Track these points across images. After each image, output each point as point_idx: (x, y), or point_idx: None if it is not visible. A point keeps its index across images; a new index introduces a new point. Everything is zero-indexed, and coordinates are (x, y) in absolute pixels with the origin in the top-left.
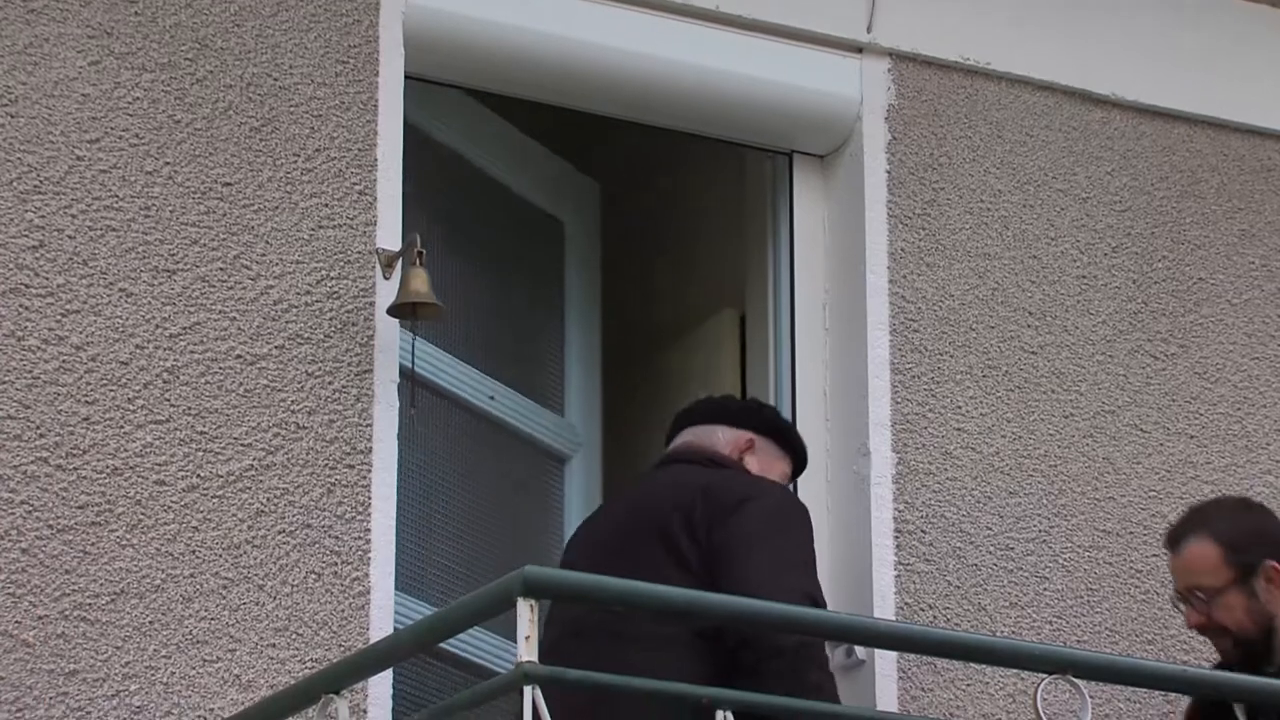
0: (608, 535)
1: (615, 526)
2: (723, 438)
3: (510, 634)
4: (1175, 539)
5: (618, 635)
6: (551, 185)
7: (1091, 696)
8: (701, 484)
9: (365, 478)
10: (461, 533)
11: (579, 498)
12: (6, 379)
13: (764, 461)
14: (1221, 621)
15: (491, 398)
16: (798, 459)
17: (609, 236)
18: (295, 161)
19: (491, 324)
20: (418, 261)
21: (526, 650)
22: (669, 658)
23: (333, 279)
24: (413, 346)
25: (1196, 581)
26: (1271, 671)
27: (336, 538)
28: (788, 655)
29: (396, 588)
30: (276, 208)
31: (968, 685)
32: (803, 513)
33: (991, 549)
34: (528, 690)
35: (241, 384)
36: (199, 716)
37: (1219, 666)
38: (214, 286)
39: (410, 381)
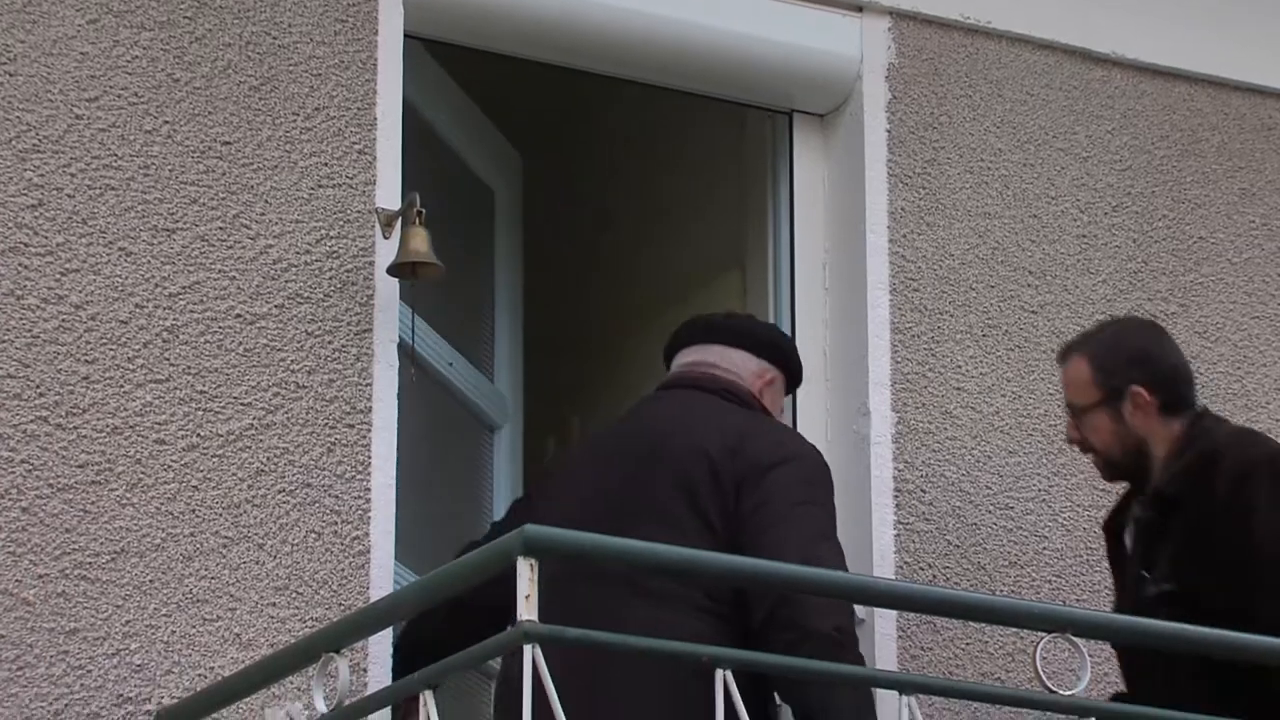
0: (617, 477)
1: (627, 467)
2: (744, 367)
3: None
4: (1063, 353)
5: (631, 584)
6: (486, 152)
7: (1090, 655)
8: (731, 434)
9: (365, 437)
10: (408, 498)
11: (506, 467)
12: (6, 338)
13: (773, 399)
14: (1090, 440)
15: (450, 364)
16: (791, 391)
17: (611, 200)
18: (294, 120)
19: (442, 290)
20: (417, 221)
21: (526, 609)
22: (677, 617)
23: (332, 238)
24: (412, 314)
25: (1070, 398)
26: (1148, 496)
27: (336, 497)
28: (827, 641)
29: None
30: (276, 167)
31: (967, 644)
32: (830, 476)
33: (991, 508)
34: (527, 649)
35: (241, 343)
36: (199, 675)
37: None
38: (213, 246)
39: (410, 344)
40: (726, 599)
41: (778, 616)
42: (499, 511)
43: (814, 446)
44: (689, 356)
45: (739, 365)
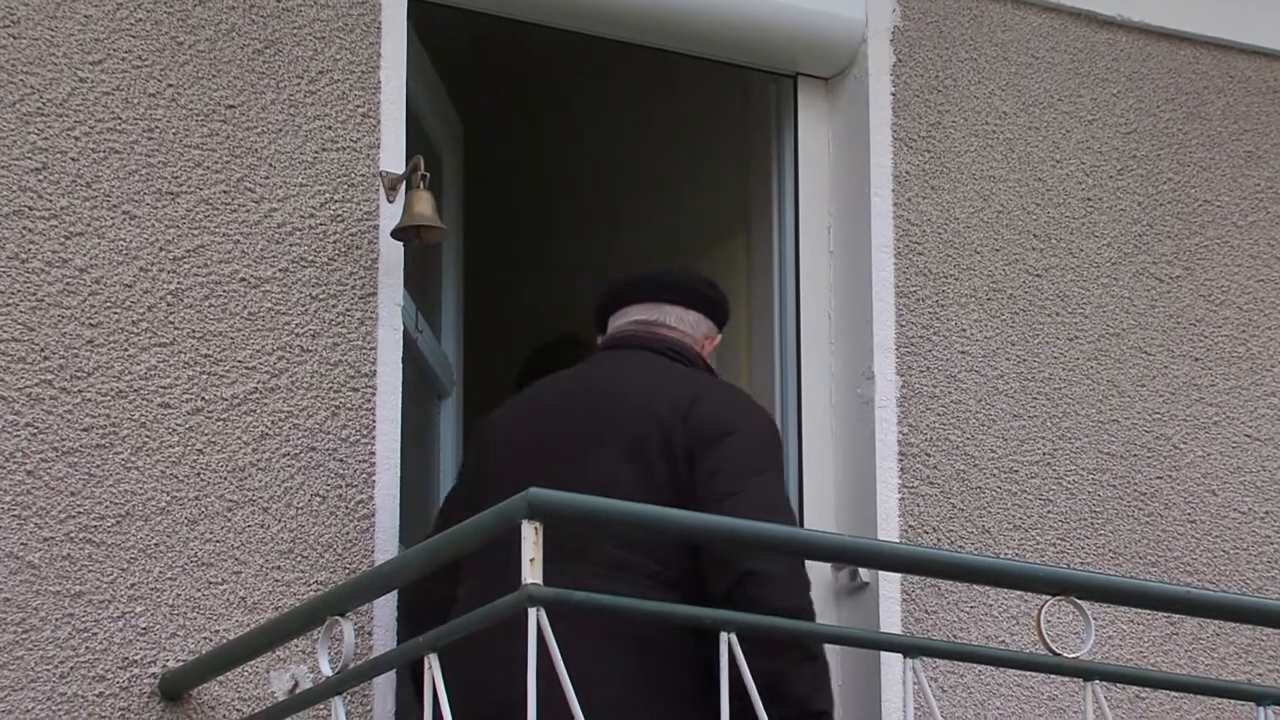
0: (564, 441)
1: (574, 430)
2: (692, 326)
3: None
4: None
5: (582, 553)
6: (437, 117)
7: (1095, 618)
8: (682, 399)
9: (369, 400)
10: None
11: (451, 435)
12: (10, 301)
13: (712, 358)
14: None
15: (420, 330)
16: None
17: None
18: (298, 84)
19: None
20: (421, 184)
21: (531, 572)
22: (629, 587)
23: (336, 202)
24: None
25: None
26: None
27: (341, 460)
28: (791, 617)
29: None
30: (280, 130)
31: (971, 607)
32: (780, 442)
33: (995, 472)
34: (532, 612)
35: (245, 307)
36: (204, 638)
37: None
38: (217, 209)
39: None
40: (681, 568)
41: (742, 593)
42: (446, 481)
43: (765, 411)
44: (638, 314)
45: (691, 326)
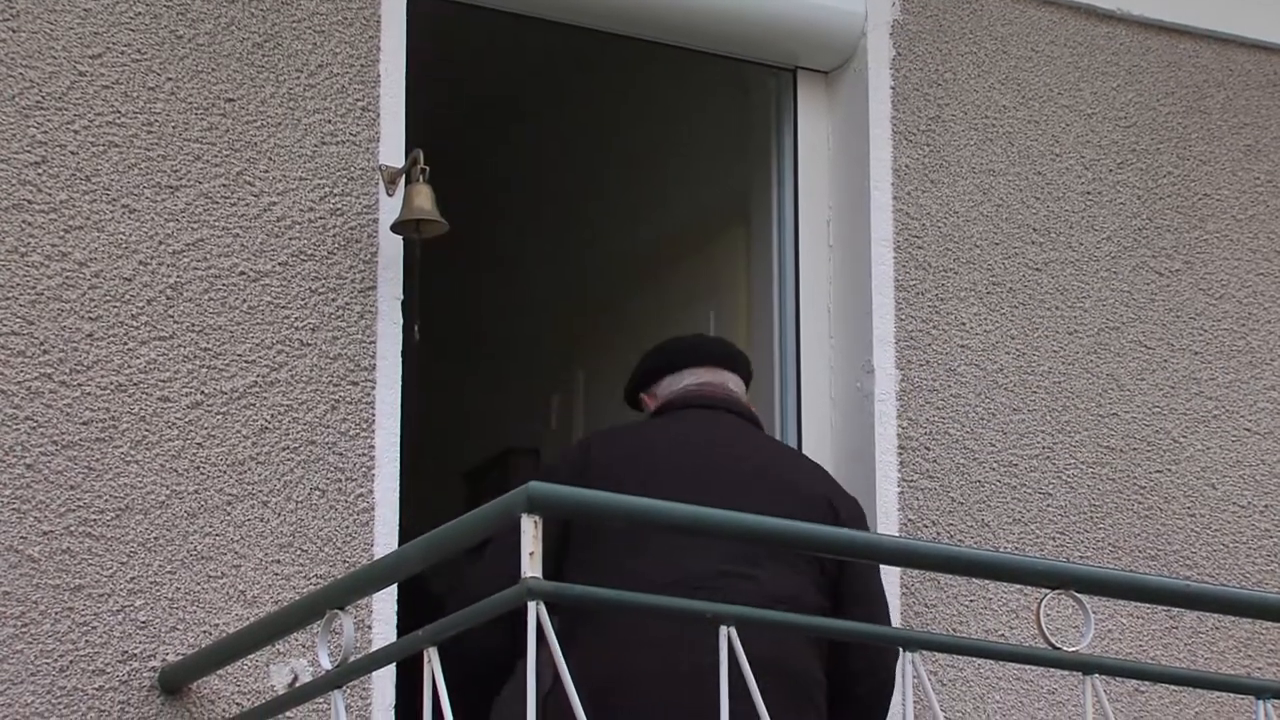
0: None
1: (746, 496)
2: (740, 394)
3: None
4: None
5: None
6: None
7: (1094, 612)
8: (825, 483)
9: (369, 394)
10: None
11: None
12: (10, 295)
13: None
14: None
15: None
16: None
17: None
18: (298, 77)
19: None
20: (421, 178)
21: (530, 566)
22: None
23: (336, 195)
24: (416, 265)
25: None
26: None
27: (340, 454)
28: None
29: None
30: (279, 124)
31: (970, 601)
32: None
33: (995, 465)
34: (531, 606)
35: (245, 300)
36: (204, 631)
37: None
38: (217, 203)
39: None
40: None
41: (881, 694)
42: None
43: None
44: (706, 380)
45: (739, 391)
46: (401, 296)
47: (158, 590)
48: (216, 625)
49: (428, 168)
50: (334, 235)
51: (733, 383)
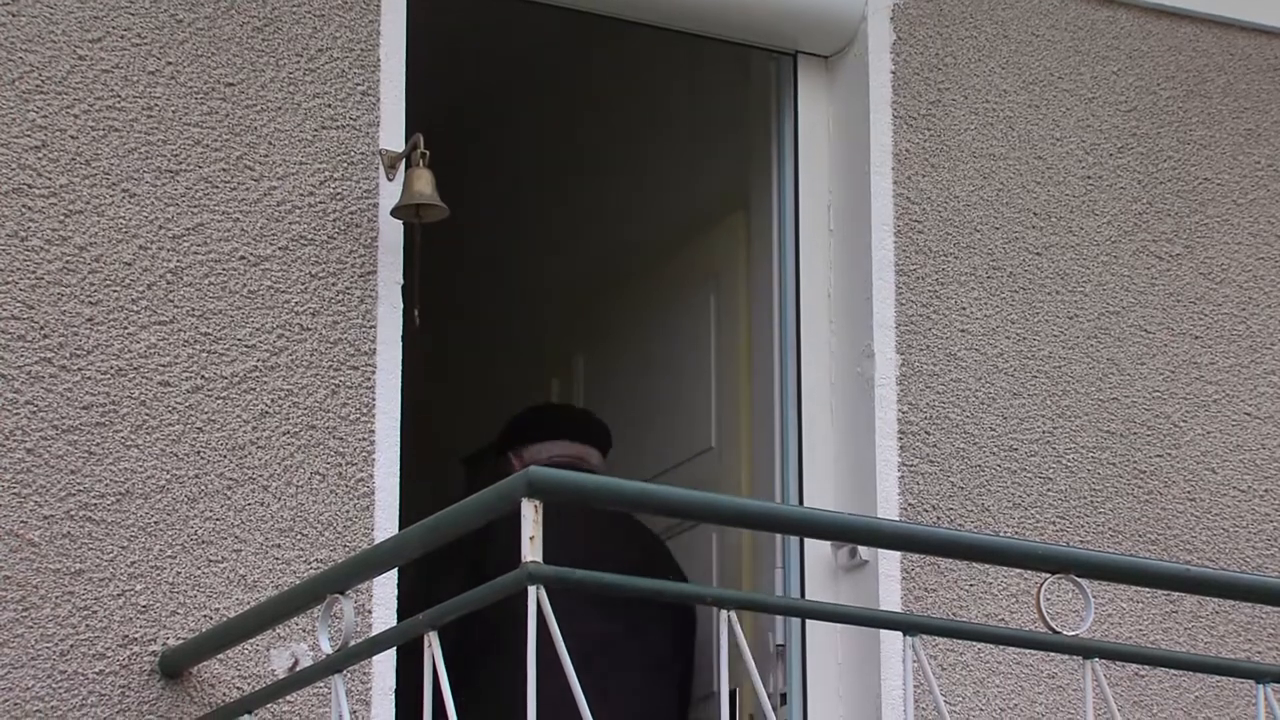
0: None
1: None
2: (599, 466)
3: None
4: None
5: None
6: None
7: (1094, 596)
8: (664, 552)
9: (369, 379)
10: None
11: None
12: (10, 279)
13: None
14: None
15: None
16: None
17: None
18: (298, 62)
19: None
20: (421, 163)
21: (530, 550)
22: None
23: (336, 180)
24: (416, 251)
25: None
26: None
27: (341, 439)
28: None
29: None
30: (279, 108)
31: (971, 585)
32: None
33: (995, 450)
34: (532, 590)
35: (245, 285)
36: (204, 616)
37: None
38: (217, 187)
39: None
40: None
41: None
42: None
43: None
44: (573, 451)
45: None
46: (401, 281)
47: (158, 575)
48: (217, 609)
49: (428, 152)
50: (334, 220)
51: (594, 458)
